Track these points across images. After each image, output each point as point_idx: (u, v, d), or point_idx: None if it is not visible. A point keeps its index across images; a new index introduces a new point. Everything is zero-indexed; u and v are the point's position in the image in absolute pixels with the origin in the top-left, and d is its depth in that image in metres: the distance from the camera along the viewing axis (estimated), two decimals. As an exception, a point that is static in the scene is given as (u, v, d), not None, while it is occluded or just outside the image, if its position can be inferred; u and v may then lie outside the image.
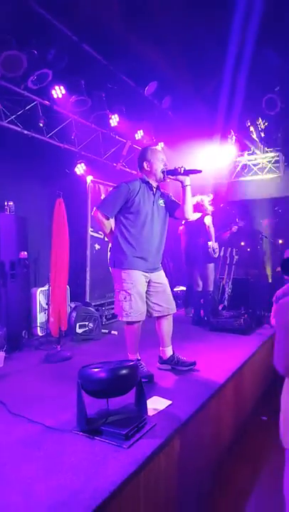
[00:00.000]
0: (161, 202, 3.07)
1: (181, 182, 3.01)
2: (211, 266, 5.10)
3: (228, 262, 6.44)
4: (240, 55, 4.97)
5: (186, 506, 2.19)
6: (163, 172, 3.01)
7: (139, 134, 5.98)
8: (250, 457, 2.80)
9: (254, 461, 2.75)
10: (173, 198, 3.17)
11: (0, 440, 2.03)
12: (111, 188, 3.17)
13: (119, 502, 1.63)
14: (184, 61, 5.10)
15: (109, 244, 3.40)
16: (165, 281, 3.18)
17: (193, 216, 3.30)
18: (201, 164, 6.70)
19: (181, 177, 2.99)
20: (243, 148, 6.85)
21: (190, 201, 3.06)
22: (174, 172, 2.99)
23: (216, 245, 4.99)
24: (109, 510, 1.55)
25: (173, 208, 3.13)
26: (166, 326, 3.20)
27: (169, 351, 3.24)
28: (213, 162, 6.90)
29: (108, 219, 2.98)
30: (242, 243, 7.50)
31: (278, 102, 5.58)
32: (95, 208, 3.00)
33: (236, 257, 6.58)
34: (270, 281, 7.02)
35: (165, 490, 1.98)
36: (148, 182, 3.00)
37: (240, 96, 5.65)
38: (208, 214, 5.01)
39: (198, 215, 4.92)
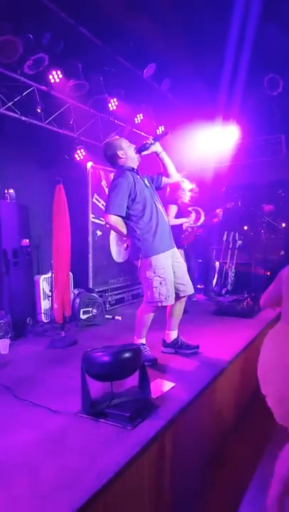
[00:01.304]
0: (146, 182, 3.10)
1: (155, 152, 3.07)
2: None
3: (230, 246, 6.41)
4: (242, 33, 4.82)
5: (190, 486, 2.23)
6: (137, 151, 3.04)
7: (138, 118, 5.87)
8: (252, 438, 2.83)
9: (257, 441, 2.77)
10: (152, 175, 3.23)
11: (6, 424, 2.07)
12: (109, 188, 3.13)
13: (124, 482, 1.65)
14: (183, 41, 4.96)
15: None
16: (182, 259, 3.28)
17: (178, 175, 3.36)
18: (203, 147, 6.70)
19: (153, 147, 3.04)
20: (244, 129, 6.74)
21: (170, 163, 3.16)
22: (144, 146, 3.02)
23: None
24: (113, 490, 1.58)
25: (158, 179, 3.20)
26: (179, 309, 3.23)
27: (173, 334, 3.26)
28: (214, 145, 6.79)
29: (122, 218, 2.97)
30: (245, 227, 7.46)
31: (281, 82, 5.44)
32: (106, 214, 2.98)
33: (239, 241, 6.55)
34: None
35: (169, 470, 2.02)
36: (132, 169, 3.05)
37: (241, 76, 5.52)
38: (176, 204, 4.64)
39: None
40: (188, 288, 3.20)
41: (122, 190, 2.92)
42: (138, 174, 3.06)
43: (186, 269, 3.26)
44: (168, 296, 2.95)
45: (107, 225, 3.03)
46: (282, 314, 2.01)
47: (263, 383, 1.96)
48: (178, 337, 3.26)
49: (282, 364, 1.85)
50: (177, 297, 3.09)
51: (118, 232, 3.03)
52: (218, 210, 5.34)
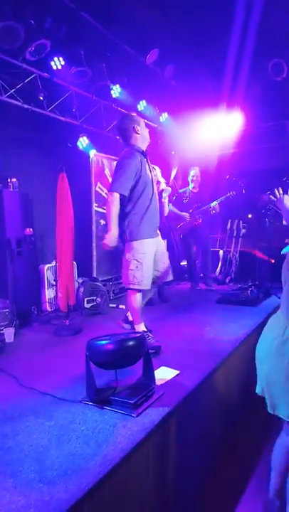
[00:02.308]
0: (147, 167, 3.12)
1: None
2: None
3: (234, 234, 6.38)
4: (246, 18, 4.72)
5: (194, 472, 2.26)
6: None
7: (141, 105, 5.81)
8: (257, 424, 2.86)
9: (262, 428, 2.80)
10: None
11: (13, 411, 2.10)
12: (116, 165, 3.10)
13: (129, 468, 1.68)
14: (186, 27, 4.87)
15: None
16: (165, 249, 3.35)
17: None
18: (206, 134, 6.63)
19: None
20: (248, 116, 6.64)
21: None
22: None
23: None
24: (119, 476, 1.61)
25: None
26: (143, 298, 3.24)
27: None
28: (218, 132, 6.72)
29: (124, 197, 2.97)
30: (249, 215, 7.41)
31: (285, 67, 5.35)
32: (110, 192, 2.97)
33: (243, 230, 6.51)
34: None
35: (174, 457, 2.04)
36: (142, 151, 3.08)
37: (245, 62, 5.42)
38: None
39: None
40: (164, 276, 3.28)
41: (130, 170, 2.94)
42: (146, 157, 3.08)
43: (167, 258, 3.32)
44: (141, 281, 3.01)
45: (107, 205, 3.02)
46: (282, 303, 2.02)
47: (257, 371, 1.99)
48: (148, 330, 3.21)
49: (270, 350, 1.88)
50: (152, 283, 3.17)
51: (111, 211, 2.97)
52: (213, 204, 5.42)
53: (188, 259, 5.76)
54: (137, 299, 3.10)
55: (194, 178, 5.59)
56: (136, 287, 3.04)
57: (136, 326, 3.15)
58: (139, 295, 3.11)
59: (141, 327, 3.14)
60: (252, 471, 2.43)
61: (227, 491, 2.27)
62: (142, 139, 3.08)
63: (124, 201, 3.01)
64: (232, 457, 2.54)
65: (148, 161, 3.13)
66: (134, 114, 3.28)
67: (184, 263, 6.11)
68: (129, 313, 3.36)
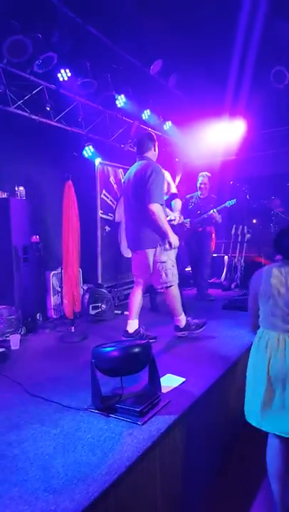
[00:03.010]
0: None
1: None
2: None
3: (239, 239, 6.37)
4: (249, 27, 4.77)
5: (201, 481, 2.24)
6: None
7: (146, 114, 5.86)
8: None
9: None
10: None
11: (18, 419, 2.10)
12: (147, 177, 3.30)
13: (136, 477, 1.67)
14: (189, 37, 4.92)
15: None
16: None
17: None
18: (209, 141, 6.66)
19: None
20: (251, 123, 6.67)
21: None
22: None
23: None
24: (125, 485, 1.60)
25: None
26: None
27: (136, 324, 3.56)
28: (221, 138, 6.74)
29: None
30: (254, 221, 7.39)
31: (287, 74, 5.37)
32: (151, 204, 3.23)
33: (248, 235, 6.49)
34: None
35: (180, 465, 2.03)
36: None
37: (248, 70, 5.46)
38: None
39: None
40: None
41: (162, 180, 3.37)
42: None
43: None
44: (177, 277, 3.47)
45: (153, 216, 3.27)
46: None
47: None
48: (139, 327, 3.53)
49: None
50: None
51: (161, 218, 3.29)
52: (210, 213, 5.26)
53: (192, 265, 5.70)
54: (177, 290, 3.51)
55: (202, 186, 5.45)
56: (174, 283, 3.46)
57: (180, 318, 3.52)
58: (176, 287, 3.51)
59: (183, 318, 3.53)
60: (261, 481, 2.40)
61: (236, 500, 2.24)
62: (154, 156, 3.54)
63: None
64: (240, 466, 2.51)
65: None
66: (154, 134, 3.66)
67: (188, 269, 6.06)
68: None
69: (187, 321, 3.56)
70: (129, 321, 3.50)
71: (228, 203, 5.42)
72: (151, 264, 3.40)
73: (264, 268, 2.10)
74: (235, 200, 5.50)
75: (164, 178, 3.39)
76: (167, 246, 3.37)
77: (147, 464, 1.76)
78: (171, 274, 3.42)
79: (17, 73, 4.10)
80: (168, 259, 3.42)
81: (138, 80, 5.36)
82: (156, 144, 3.54)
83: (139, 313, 3.57)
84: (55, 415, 2.12)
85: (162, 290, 3.53)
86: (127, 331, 3.47)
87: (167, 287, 3.47)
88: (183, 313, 3.56)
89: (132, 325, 3.49)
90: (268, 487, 2.23)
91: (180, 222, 4.71)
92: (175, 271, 3.47)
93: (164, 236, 3.34)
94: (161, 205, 3.33)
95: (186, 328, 3.54)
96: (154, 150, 3.51)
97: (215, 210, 5.29)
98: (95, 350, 2.22)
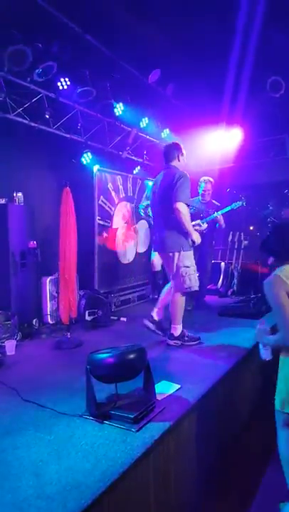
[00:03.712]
0: None
1: None
2: None
3: (236, 246, 6.39)
4: (245, 37, 4.84)
5: (195, 487, 2.24)
6: None
7: (144, 122, 5.92)
8: (261, 438, 2.83)
9: (265, 443, 2.77)
10: None
11: (12, 425, 2.10)
12: (176, 180, 3.49)
13: (129, 483, 1.67)
14: (187, 47, 4.98)
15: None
16: None
17: None
18: (207, 149, 6.70)
19: None
20: (248, 131, 6.73)
21: None
22: None
23: None
24: (118, 491, 1.60)
25: None
26: None
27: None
28: (219, 146, 6.80)
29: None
30: (251, 227, 7.43)
31: (283, 84, 5.44)
32: (178, 202, 3.41)
33: (245, 242, 6.52)
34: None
35: (174, 472, 2.03)
36: None
37: (245, 79, 5.53)
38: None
39: None
40: None
41: (188, 185, 3.50)
42: None
43: None
44: (196, 283, 3.56)
45: (179, 215, 3.43)
46: None
47: None
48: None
49: None
50: None
51: (183, 218, 3.42)
52: (215, 215, 5.09)
53: (204, 271, 5.52)
54: (183, 298, 3.61)
55: (207, 192, 5.31)
56: (194, 289, 3.56)
57: (177, 326, 3.57)
58: (184, 297, 3.62)
59: (180, 327, 3.57)
60: (255, 488, 2.40)
61: (232, 505, 2.24)
62: (180, 165, 3.65)
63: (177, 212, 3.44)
64: (234, 472, 2.51)
65: None
66: (181, 145, 3.73)
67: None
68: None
69: (182, 331, 3.58)
70: (155, 309, 3.78)
71: (234, 205, 5.19)
72: (174, 267, 3.54)
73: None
74: (240, 202, 5.22)
75: (189, 184, 3.51)
76: (190, 242, 3.51)
77: (140, 470, 1.76)
78: (194, 279, 3.53)
79: (17, 82, 4.16)
80: (191, 265, 3.54)
81: (136, 89, 5.41)
82: (182, 153, 3.65)
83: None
84: (49, 421, 2.13)
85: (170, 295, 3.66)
86: (152, 316, 3.75)
87: (176, 292, 3.59)
88: (181, 324, 3.60)
89: (177, 329, 3.61)
90: (264, 497, 2.23)
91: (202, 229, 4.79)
92: (194, 278, 3.54)
93: (186, 235, 3.48)
94: (188, 205, 3.49)
95: (179, 337, 3.56)
96: (179, 159, 3.63)
97: (220, 212, 5.10)
98: (90, 357, 2.22)
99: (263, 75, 5.43)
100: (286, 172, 6.74)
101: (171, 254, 3.56)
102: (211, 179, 5.38)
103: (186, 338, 3.55)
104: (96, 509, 1.47)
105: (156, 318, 3.75)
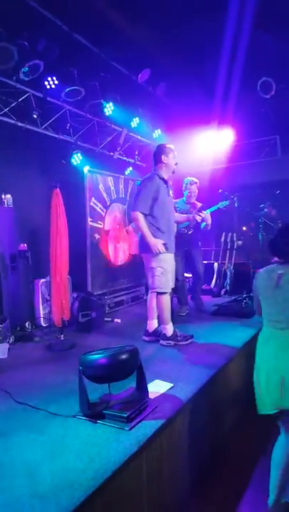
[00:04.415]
0: (171, 192, 3.70)
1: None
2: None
3: (228, 247, 6.43)
4: (236, 38, 4.88)
5: (188, 485, 2.25)
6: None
7: (135, 122, 5.92)
8: (251, 437, 2.85)
9: (255, 441, 2.79)
10: None
11: (5, 427, 2.09)
12: (137, 187, 3.65)
13: (122, 482, 1.68)
14: (177, 47, 5.01)
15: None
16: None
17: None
18: (199, 150, 6.74)
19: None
20: (240, 132, 6.78)
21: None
22: None
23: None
24: (112, 488, 1.60)
25: None
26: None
27: (155, 324, 3.77)
28: (210, 147, 6.84)
29: (146, 215, 3.47)
30: (244, 228, 7.48)
31: (273, 85, 5.49)
32: (132, 211, 3.51)
33: (239, 242, 6.55)
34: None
35: (167, 469, 2.04)
36: (162, 177, 3.58)
37: (236, 80, 5.56)
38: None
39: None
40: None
41: (149, 190, 3.47)
42: (166, 183, 3.62)
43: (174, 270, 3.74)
44: (166, 285, 3.55)
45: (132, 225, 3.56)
46: (263, 318, 2.12)
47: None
48: (159, 326, 3.72)
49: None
50: None
51: (141, 226, 3.46)
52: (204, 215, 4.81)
53: (195, 271, 5.29)
54: (167, 299, 3.60)
55: (191, 194, 5.07)
56: (162, 290, 3.55)
57: (167, 327, 3.58)
58: (167, 296, 3.60)
59: (170, 327, 3.57)
60: (247, 483, 2.42)
61: (222, 503, 2.25)
62: (165, 168, 3.61)
63: (148, 219, 3.49)
64: (226, 469, 2.53)
65: (168, 187, 3.65)
66: (170, 146, 3.69)
67: (188, 275, 5.86)
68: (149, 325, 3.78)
69: (175, 331, 3.59)
70: (148, 322, 3.77)
71: (221, 204, 5.12)
72: (148, 268, 3.62)
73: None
74: (228, 201, 5.22)
75: (151, 187, 3.47)
76: (160, 256, 3.49)
77: (134, 468, 1.77)
78: (158, 281, 3.51)
79: (3, 81, 4.11)
80: (157, 266, 3.51)
81: (126, 88, 5.40)
82: (167, 154, 3.60)
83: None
84: (42, 422, 2.12)
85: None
86: (147, 331, 3.75)
87: (157, 293, 3.59)
88: (171, 323, 3.62)
89: (151, 325, 3.71)
90: (256, 492, 2.25)
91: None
92: (165, 278, 3.52)
93: (147, 243, 3.46)
94: (145, 215, 3.46)
95: (172, 338, 3.56)
96: (163, 161, 3.59)
97: (207, 211, 4.88)
98: (82, 358, 2.22)
99: (253, 76, 5.47)
100: (278, 173, 6.80)
101: (143, 255, 3.65)
102: (196, 180, 5.15)
103: (178, 338, 3.56)
104: (89, 507, 1.47)
105: (151, 330, 3.75)
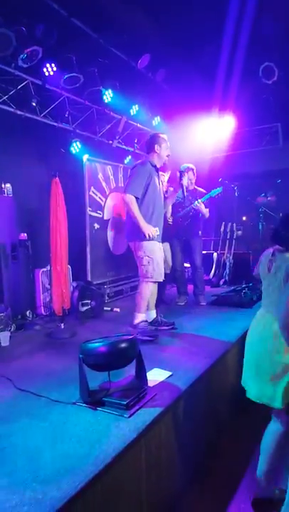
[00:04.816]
0: (159, 181, 3.71)
1: None
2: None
3: (228, 237, 6.43)
4: (237, 23, 4.79)
5: (186, 472, 2.30)
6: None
7: (134, 109, 5.86)
8: (248, 426, 2.89)
9: (252, 429, 2.83)
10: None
11: (8, 413, 2.13)
12: (129, 171, 3.69)
13: (121, 468, 1.72)
14: (178, 32, 4.93)
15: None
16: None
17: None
18: (199, 138, 6.69)
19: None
20: (240, 119, 6.71)
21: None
22: None
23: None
24: (112, 474, 1.64)
25: None
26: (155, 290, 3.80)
27: (153, 314, 3.76)
28: (211, 135, 6.78)
29: (137, 199, 3.48)
30: (244, 218, 7.47)
31: (276, 70, 5.40)
32: (124, 193, 3.52)
33: (239, 232, 6.55)
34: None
35: (166, 456, 2.08)
36: (155, 165, 3.63)
37: (237, 66, 5.48)
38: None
39: None
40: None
41: (142, 174, 3.50)
42: (157, 172, 3.65)
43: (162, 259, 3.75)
44: (153, 275, 3.54)
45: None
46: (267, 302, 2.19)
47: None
48: (157, 315, 3.74)
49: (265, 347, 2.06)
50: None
51: (130, 210, 3.46)
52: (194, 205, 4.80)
53: (193, 262, 5.16)
54: (150, 288, 3.60)
55: (188, 182, 4.78)
56: (150, 280, 3.55)
57: (138, 315, 3.59)
58: (152, 286, 3.62)
59: (141, 316, 3.59)
60: (243, 472, 2.47)
61: (219, 490, 2.31)
62: (157, 157, 3.65)
63: (138, 203, 3.48)
64: (224, 457, 2.58)
65: (158, 175, 3.68)
66: (163, 135, 3.73)
67: (187, 265, 5.80)
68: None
69: (156, 317, 3.69)
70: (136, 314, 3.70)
71: (213, 192, 4.92)
72: (136, 256, 3.64)
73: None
74: (220, 188, 5.01)
75: (144, 172, 3.50)
76: (144, 244, 3.50)
77: (133, 455, 1.81)
78: (145, 270, 3.54)
79: (1, 68, 4.05)
80: (144, 256, 3.52)
81: (125, 75, 5.33)
82: (159, 144, 3.63)
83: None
84: (44, 409, 2.16)
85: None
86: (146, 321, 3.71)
87: (144, 281, 3.61)
88: (144, 313, 3.64)
89: (138, 317, 3.66)
90: (252, 481, 2.30)
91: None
92: (152, 268, 3.52)
93: (138, 228, 3.46)
94: (137, 198, 3.46)
95: (152, 323, 3.65)
96: (155, 151, 3.62)
97: (200, 201, 4.80)
98: (82, 346, 2.26)
99: (255, 61, 5.38)
100: (279, 161, 6.76)
101: (130, 243, 3.67)
102: (192, 166, 4.92)
103: (159, 322, 3.64)
104: (90, 492, 1.51)
105: (149, 320, 3.72)
